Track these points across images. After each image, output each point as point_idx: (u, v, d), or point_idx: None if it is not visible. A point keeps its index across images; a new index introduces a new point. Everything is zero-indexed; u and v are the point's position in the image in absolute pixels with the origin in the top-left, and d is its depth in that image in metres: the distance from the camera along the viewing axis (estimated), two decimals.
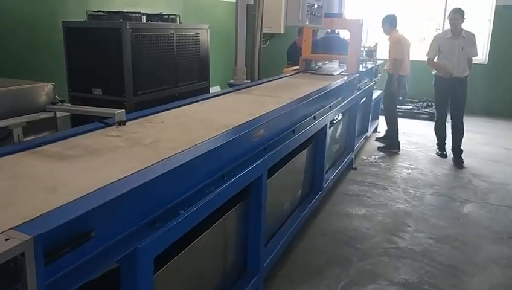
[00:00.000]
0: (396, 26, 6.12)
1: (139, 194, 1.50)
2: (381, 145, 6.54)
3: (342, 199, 4.45)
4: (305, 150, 3.67)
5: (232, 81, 4.00)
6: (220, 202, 2.04)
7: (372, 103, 6.85)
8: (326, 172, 4.47)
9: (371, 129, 6.83)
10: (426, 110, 8.88)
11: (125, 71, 3.94)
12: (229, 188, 2.09)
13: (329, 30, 5.57)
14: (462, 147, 5.83)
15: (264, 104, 2.92)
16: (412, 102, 9.30)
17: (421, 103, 9.24)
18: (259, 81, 4.22)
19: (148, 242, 1.55)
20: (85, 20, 4.19)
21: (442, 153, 6.06)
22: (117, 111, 1.91)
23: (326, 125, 3.82)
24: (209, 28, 5.16)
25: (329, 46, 5.75)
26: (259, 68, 4.40)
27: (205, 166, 1.91)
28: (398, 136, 6.44)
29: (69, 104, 2.33)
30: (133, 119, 2.35)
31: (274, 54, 9.21)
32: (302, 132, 3.11)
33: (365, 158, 5.93)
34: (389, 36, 6.22)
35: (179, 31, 4.68)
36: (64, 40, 4.09)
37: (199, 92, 4.81)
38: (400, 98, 7.03)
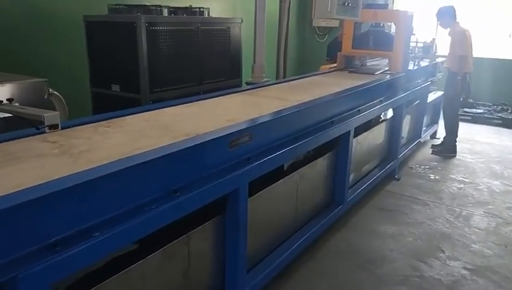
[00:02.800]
0: (456, 19, 5.44)
1: (21, 213, 1.28)
2: (436, 149, 5.91)
3: (372, 214, 3.98)
4: (322, 158, 3.29)
5: (249, 79, 3.70)
6: (168, 220, 1.77)
7: (431, 106, 6.20)
8: (356, 183, 4.03)
9: (425, 135, 6.16)
10: (500, 114, 7.90)
11: (141, 67, 3.80)
12: (183, 205, 1.82)
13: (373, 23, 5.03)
14: None
15: (259, 108, 2.59)
16: (483, 105, 8.35)
17: (495, 107, 8.25)
18: (281, 80, 3.88)
19: (41, 268, 1.32)
20: (106, 14, 4.12)
21: None
22: (47, 114, 1.71)
23: (349, 131, 3.38)
24: (242, 21, 4.88)
25: (377, 41, 5.21)
26: (285, 65, 4.04)
27: (141, 180, 1.65)
28: (455, 140, 5.83)
29: (7, 104, 2.16)
30: (95, 122, 2.15)
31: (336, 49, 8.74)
32: (308, 139, 2.74)
33: (413, 167, 5.33)
34: (448, 30, 5.56)
35: (205, 25, 4.46)
36: (86, 35, 4.05)
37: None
38: (463, 98, 6.32)
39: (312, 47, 9.48)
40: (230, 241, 2.26)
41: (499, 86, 8.21)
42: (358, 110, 3.57)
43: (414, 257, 3.26)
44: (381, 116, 4.65)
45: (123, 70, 3.96)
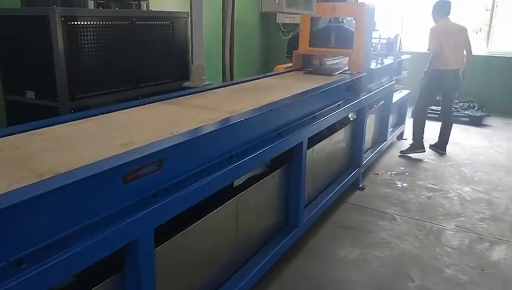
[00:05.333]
0: (447, 14, 5.24)
1: None
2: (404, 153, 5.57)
3: (333, 234, 3.50)
4: (270, 176, 2.78)
5: (187, 83, 3.15)
6: None
7: (396, 106, 5.82)
8: (314, 198, 3.55)
9: (392, 136, 5.76)
10: (466, 112, 7.60)
11: (57, 70, 3.21)
12: (32, 283, 1.23)
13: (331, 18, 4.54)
14: None
15: (179, 123, 2.03)
16: None
17: (462, 104, 7.96)
18: (224, 84, 3.33)
19: None
20: (19, 8, 3.49)
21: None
22: None
23: (302, 142, 2.89)
24: (188, 15, 4.31)
25: (337, 38, 4.72)
26: (232, 65, 3.51)
27: None
28: (422, 137, 5.55)
29: None
30: None
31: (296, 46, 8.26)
32: (246, 159, 2.22)
33: (379, 174, 4.91)
34: None
35: (142, 20, 3.88)
36: None
37: None
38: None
39: (276, 45, 8.99)
40: None
41: (466, 82, 7.93)
42: (314, 117, 3.09)
43: (380, 289, 2.80)
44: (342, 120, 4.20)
45: (37, 74, 3.35)
